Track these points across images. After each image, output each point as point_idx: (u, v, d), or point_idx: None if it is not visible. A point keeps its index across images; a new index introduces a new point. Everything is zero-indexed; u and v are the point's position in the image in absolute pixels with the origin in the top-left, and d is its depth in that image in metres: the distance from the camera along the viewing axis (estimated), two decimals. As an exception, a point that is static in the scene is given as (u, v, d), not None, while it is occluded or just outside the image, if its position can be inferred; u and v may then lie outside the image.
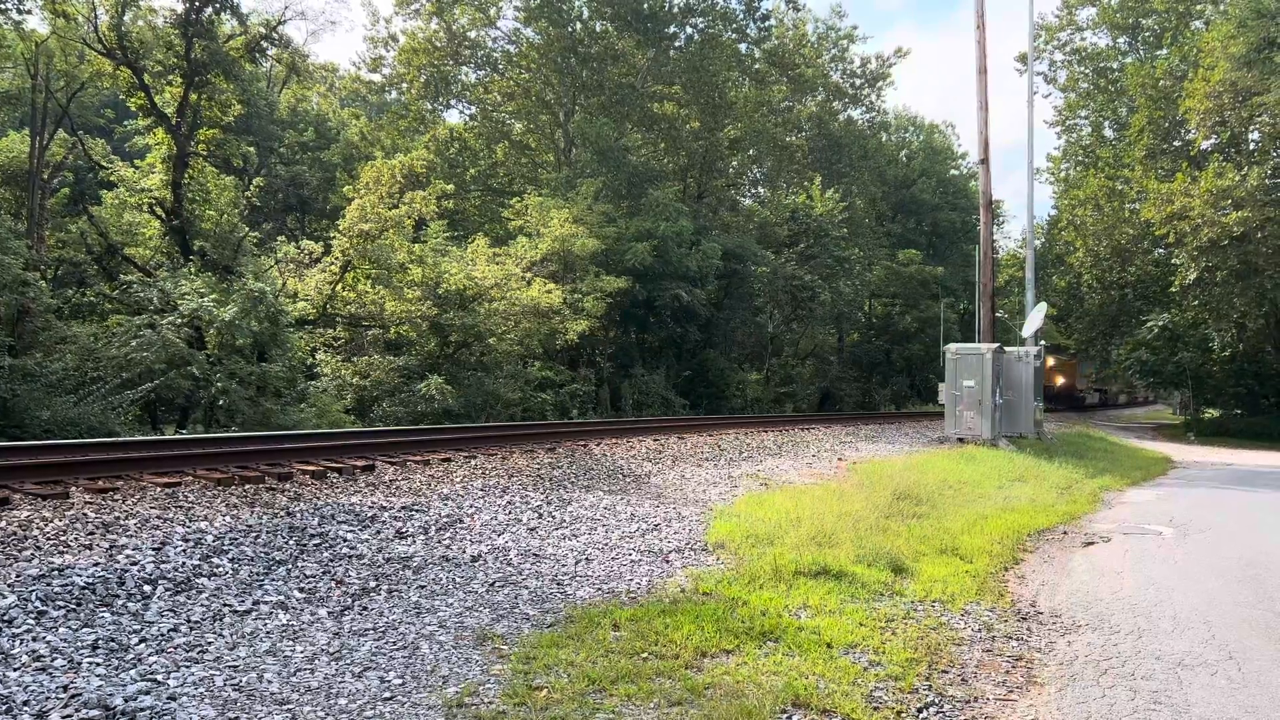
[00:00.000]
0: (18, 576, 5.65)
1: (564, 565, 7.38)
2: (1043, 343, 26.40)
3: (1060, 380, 51.11)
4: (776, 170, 44.26)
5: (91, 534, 6.69)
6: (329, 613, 5.84)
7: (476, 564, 7.21)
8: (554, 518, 9.05)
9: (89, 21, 20.34)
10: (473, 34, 36.12)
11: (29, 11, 20.08)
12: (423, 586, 6.53)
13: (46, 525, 6.84)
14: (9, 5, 19.36)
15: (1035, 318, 24.81)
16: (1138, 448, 26.29)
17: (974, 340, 28.83)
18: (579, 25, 34.51)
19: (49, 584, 5.59)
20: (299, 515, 7.83)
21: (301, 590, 6.19)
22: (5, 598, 5.31)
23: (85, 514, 7.16)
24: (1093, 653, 5.85)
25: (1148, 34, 41.42)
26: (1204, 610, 6.96)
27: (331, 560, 6.85)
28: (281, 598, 6.00)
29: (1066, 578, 8.10)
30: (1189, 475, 19.03)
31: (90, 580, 5.72)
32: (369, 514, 8.18)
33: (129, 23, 20.44)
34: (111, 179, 21.02)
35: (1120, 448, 25.49)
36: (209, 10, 20.35)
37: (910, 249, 50.17)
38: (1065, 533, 10.52)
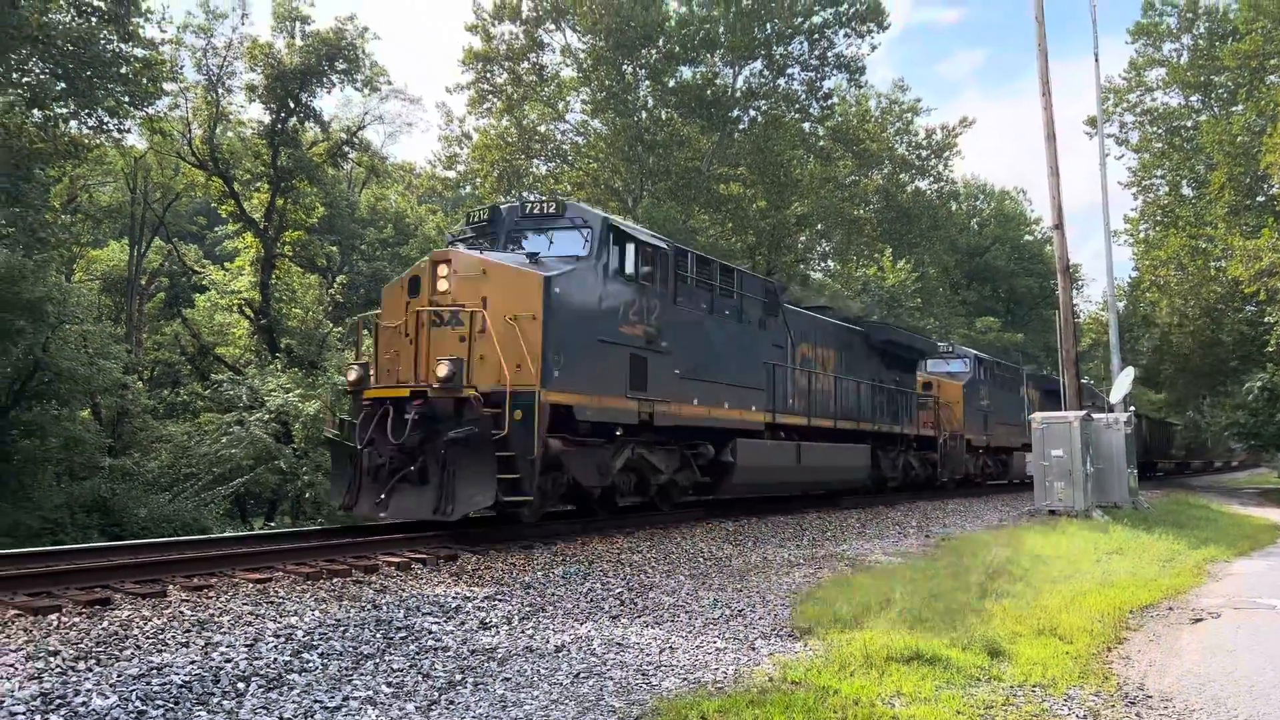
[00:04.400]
0: (119, 676, 5.80)
1: (648, 654, 7.29)
2: (1133, 409, 25.57)
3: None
4: (845, 243, 44.24)
5: (188, 632, 6.84)
6: (416, 707, 5.85)
7: (560, 654, 7.17)
8: (635, 604, 8.97)
9: (184, 136, 21.62)
10: (542, 128, 37.35)
11: (129, 131, 21.42)
12: (507, 679, 6.51)
13: (146, 624, 7.02)
14: (110, 125, 20.71)
15: (1123, 382, 24.08)
16: (1242, 514, 25.09)
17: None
18: (644, 114, 35.41)
19: (148, 683, 5.72)
20: (385, 608, 7.90)
21: (389, 684, 6.22)
22: (107, 698, 5.45)
23: (182, 612, 7.34)
24: (1209, 740, 5.53)
25: (1221, 91, 40.69)
26: (1329, 691, 6.55)
27: (418, 653, 6.88)
28: (370, 692, 6.03)
29: (1175, 658, 7.71)
30: (1301, 543, 18.07)
31: (187, 678, 5.83)
32: (453, 604, 8.22)
33: (220, 135, 21.67)
34: (204, 283, 22.05)
35: (1223, 515, 24.34)
36: (293, 120, 21.49)
37: (987, 316, 49.39)
38: (1170, 608, 10.04)
